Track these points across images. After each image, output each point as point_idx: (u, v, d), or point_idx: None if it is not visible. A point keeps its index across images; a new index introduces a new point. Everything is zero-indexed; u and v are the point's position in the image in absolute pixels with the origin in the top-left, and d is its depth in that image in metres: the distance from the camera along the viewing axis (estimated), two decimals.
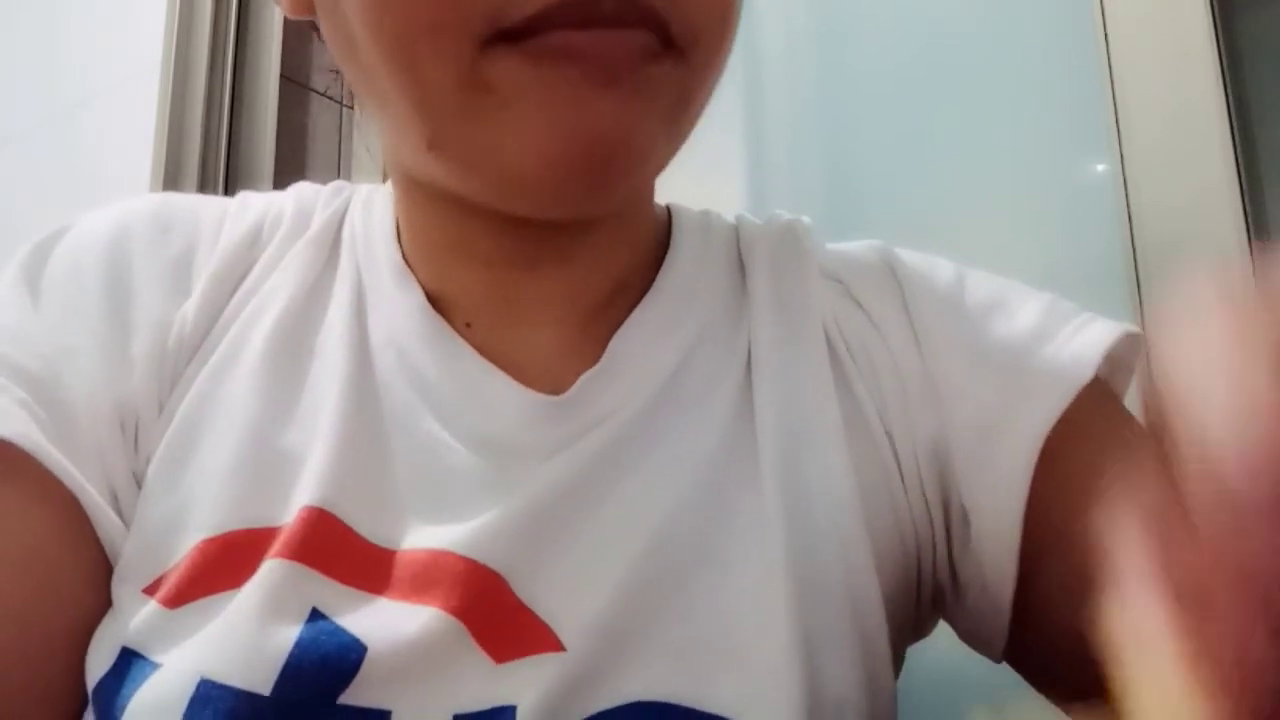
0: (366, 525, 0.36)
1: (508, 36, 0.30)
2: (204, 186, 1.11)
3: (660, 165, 0.36)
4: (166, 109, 1.12)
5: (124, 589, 0.35)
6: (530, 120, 0.31)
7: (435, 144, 0.34)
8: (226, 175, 1.13)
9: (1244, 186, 0.66)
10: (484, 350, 0.39)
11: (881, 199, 0.85)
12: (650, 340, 0.40)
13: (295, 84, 1.18)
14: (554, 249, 0.40)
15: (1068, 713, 0.39)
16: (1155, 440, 0.38)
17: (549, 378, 0.39)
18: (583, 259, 0.40)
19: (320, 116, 1.21)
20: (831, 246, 0.46)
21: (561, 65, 0.30)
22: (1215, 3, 0.69)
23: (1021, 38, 0.80)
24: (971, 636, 0.41)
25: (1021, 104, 0.78)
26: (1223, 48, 0.69)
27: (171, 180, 1.10)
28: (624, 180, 0.34)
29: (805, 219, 0.47)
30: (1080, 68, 0.75)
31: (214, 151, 1.13)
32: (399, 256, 0.42)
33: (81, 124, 1.25)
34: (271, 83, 1.15)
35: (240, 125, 1.15)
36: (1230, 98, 0.67)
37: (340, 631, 0.32)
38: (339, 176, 1.22)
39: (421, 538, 0.35)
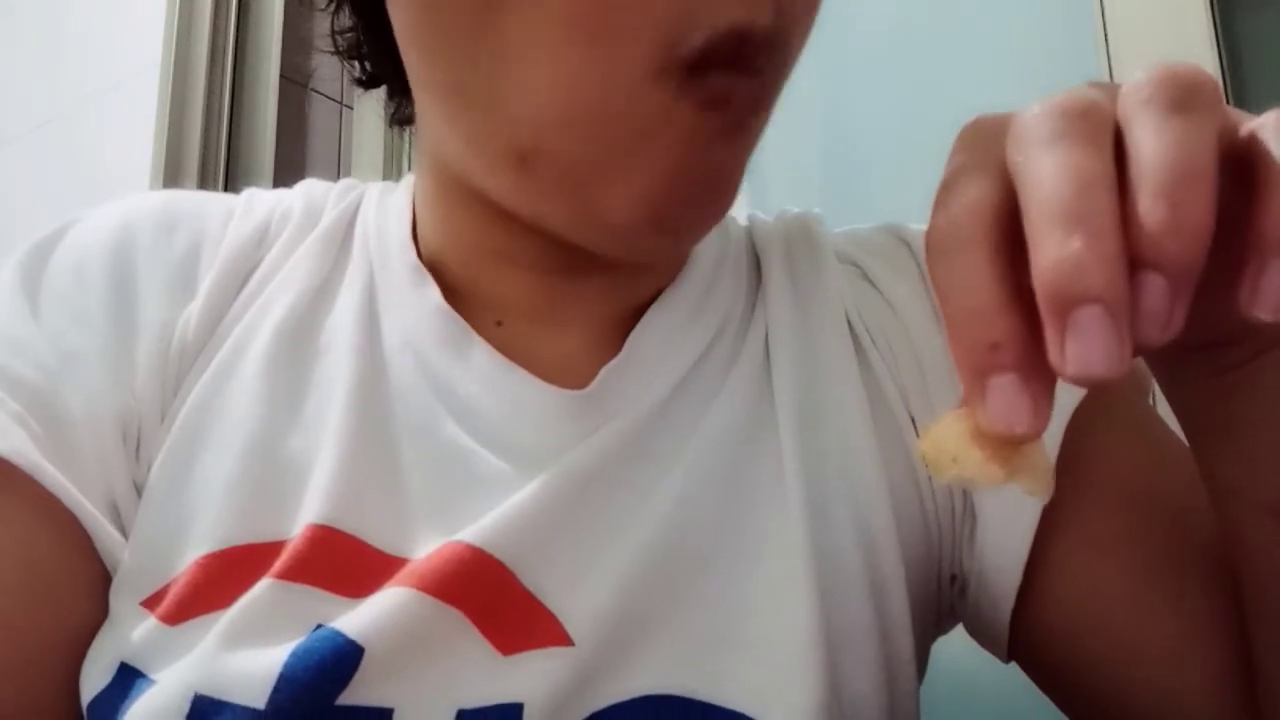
0: (379, 536, 0.35)
1: (679, 70, 0.30)
2: (204, 186, 1.11)
3: None
4: (166, 109, 1.12)
5: (122, 600, 0.35)
6: (652, 161, 0.31)
7: (530, 160, 0.33)
8: (226, 175, 1.13)
9: None
10: (510, 348, 0.39)
11: (880, 199, 0.85)
12: (671, 333, 0.40)
13: (295, 84, 1.18)
14: (601, 259, 0.38)
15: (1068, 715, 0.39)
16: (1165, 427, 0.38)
17: (573, 375, 0.38)
18: (627, 267, 0.40)
19: (320, 116, 1.21)
20: (844, 230, 0.46)
21: (716, 113, 0.31)
22: (1215, 3, 0.69)
23: (1021, 37, 0.80)
24: (976, 633, 0.41)
25: (1021, 104, 0.78)
26: (1223, 48, 0.68)
27: (172, 180, 1.10)
28: (709, 222, 0.35)
29: (816, 210, 0.47)
30: (1080, 68, 0.75)
31: (214, 151, 1.13)
32: (414, 255, 0.41)
33: (82, 124, 1.25)
34: (271, 83, 1.15)
35: (240, 125, 1.15)
36: (1230, 98, 0.67)
37: (336, 635, 0.31)
38: (339, 176, 1.21)
39: (436, 543, 0.34)
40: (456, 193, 0.39)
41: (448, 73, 0.34)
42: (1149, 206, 0.19)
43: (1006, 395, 0.20)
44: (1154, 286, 0.19)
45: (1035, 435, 0.21)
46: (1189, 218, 0.19)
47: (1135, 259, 0.19)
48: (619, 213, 0.32)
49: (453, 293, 0.40)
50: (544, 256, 0.39)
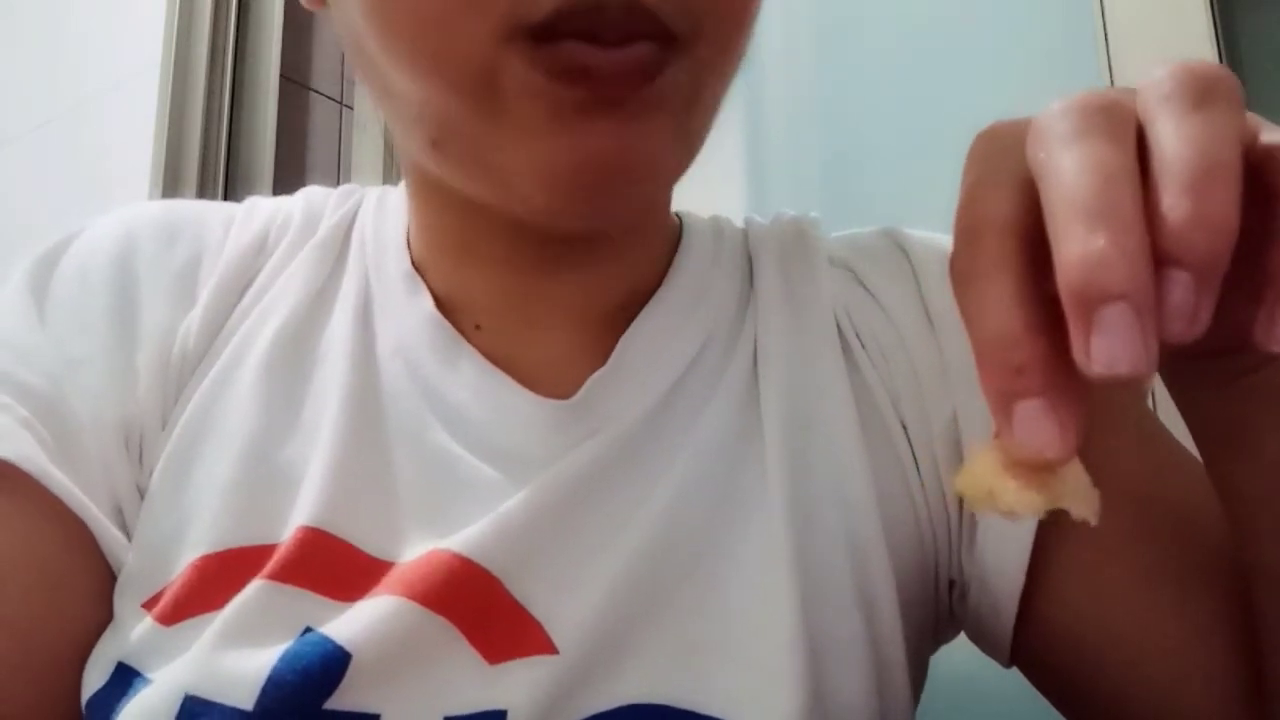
0: (368, 540, 0.35)
1: (525, 36, 0.29)
2: (204, 186, 1.11)
3: (674, 174, 0.35)
4: (166, 109, 1.12)
5: (124, 602, 0.35)
6: (536, 135, 0.30)
7: (439, 143, 0.33)
8: (226, 175, 1.13)
9: None
10: (494, 354, 0.39)
11: (880, 199, 0.85)
12: (659, 341, 0.40)
13: (295, 84, 1.18)
14: (569, 255, 0.39)
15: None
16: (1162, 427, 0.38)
17: (560, 382, 0.38)
18: (598, 265, 0.40)
19: (320, 116, 1.21)
20: (839, 234, 0.46)
21: (571, 84, 0.29)
22: (1215, 3, 0.69)
23: (1021, 37, 0.80)
24: (978, 638, 0.40)
25: (1021, 104, 0.78)
26: (1223, 48, 0.68)
27: (172, 179, 1.10)
28: (627, 197, 0.33)
29: (814, 214, 0.47)
30: (1080, 68, 0.75)
31: (214, 151, 1.12)
32: (409, 261, 0.41)
33: (82, 124, 1.25)
34: (271, 83, 1.15)
35: (240, 125, 1.15)
36: None
37: (325, 641, 0.32)
38: (339, 176, 1.22)
39: (425, 548, 0.35)
40: (425, 189, 0.39)
41: (370, 74, 0.34)
42: (1173, 201, 0.19)
43: (1033, 419, 0.20)
44: (1180, 282, 0.19)
45: (1066, 459, 0.21)
46: (1214, 212, 0.19)
47: (1160, 255, 0.19)
48: (528, 187, 0.32)
49: (438, 297, 0.40)
50: (514, 252, 0.38)
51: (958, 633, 0.42)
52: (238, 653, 0.32)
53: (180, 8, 1.15)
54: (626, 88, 0.30)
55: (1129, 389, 0.40)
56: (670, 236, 0.44)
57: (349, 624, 0.32)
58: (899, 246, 0.43)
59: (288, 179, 1.13)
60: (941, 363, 0.39)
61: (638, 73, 0.30)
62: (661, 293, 0.41)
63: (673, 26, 0.30)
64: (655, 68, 0.30)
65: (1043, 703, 0.40)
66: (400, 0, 0.30)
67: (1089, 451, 0.36)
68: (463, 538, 0.34)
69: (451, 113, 0.31)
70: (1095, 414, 0.37)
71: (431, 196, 0.39)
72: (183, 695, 0.31)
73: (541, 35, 0.29)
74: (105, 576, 0.36)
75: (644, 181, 0.33)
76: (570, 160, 0.30)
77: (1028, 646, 0.38)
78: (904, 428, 0.39)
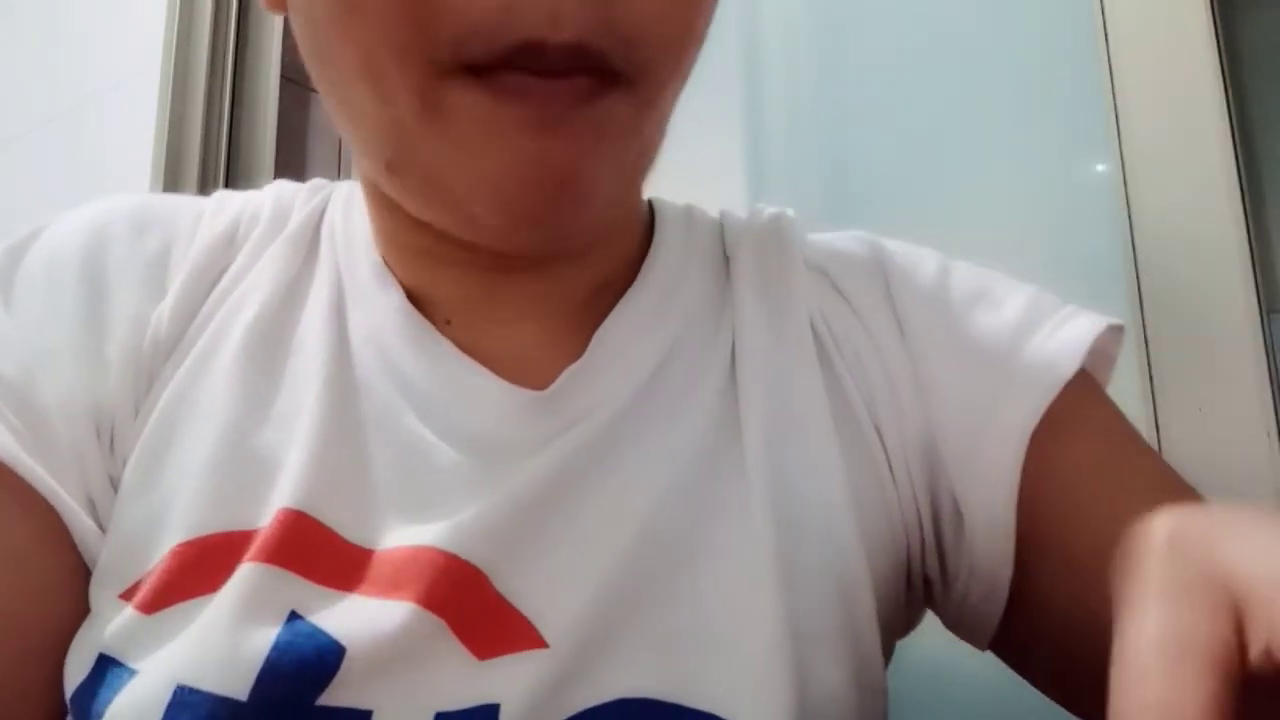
0: (347, 526, 0.35)
1: (467, 69, 0.30)
2: (204, 186, 1.11)
3: (613, 202, 0.35)
4: (166, 109, 1.12)
5: (101, 594, 0.35)
6: (484, 154, 0.31)
7: (394, 167, 0.34)
8: (226, 175, 1.13)
9: (1244, 187, 0.66)
10: (465, 347, 0.39)
11: (880, 199, 0.85)
12: (634, 334, 0.40)
13: (295, 84, 1.18)
14: (527, 259, 0.39)
15: (1053, 698, 0.40)
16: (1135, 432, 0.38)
17: (532, 373, 0.39)
18: (563, 264, 0.40)
19: (320, 116, 1.21)
20: (816, 236, 0.46)
21: (515, 104, 0.30)
22: (1215, 3, 0.69)
23: (1021, 37, 0.80)
24: (959, 626, 0.41)
25: (1021, 104, 0.78)
26: (1223, 48, 0.68)
27: (171, 180, 1.10)
28: (574, 219, 0.34)
29: (790, 211, 0.47)
30: (1080, 68, 0.75)
31: (214, 151, 1.12)
32: (378, 255, 0.42)
33: (82, 124, 1.25)
34: (271, 83, 1.15)
35: (240, 125, 1.15)
36: (1230, 98, 0.67)
37: (318, 633, 0.32)
38: (339, 176, 1.22)
39: (403, 536, 0.35)
40: (383, 203, 0.40)
41: (327, 93, 0.35)
42: None
43: None
44: None
45: None
46: None
47: None
48: (479, 209, 0.33)
49: (408, 291, 0.41)
50: (470, 256, 0.39)
51: (919, 622, 0.43)
52: (227, 639, 0.32)
53: (180, 8, 1.15)
54: (567, 107, 0.31)
55: (1097, 399, 0.40)
56: (641, 228, 0.44)
57: (341, 618, 0.32)
58: (872, 254, 0.44)
59: (288, 178, 1.12)
60: (913, 373, 0.40)
61: (580, 96, 0.31)
62: (635, 286, 0.41)
63: (615, 64, 0.31)
64: (595, 94, 0.31)
65: (1011, 688, 0.40)
66: (341, 37, 0.31)
67: (1055, 464, 0.37)
68: (448, 532, 0.34)
69: (404, 135, 0.32)
70: (1060, 428, 0.37)
71: (389, 209, 0.40)
72: (174, 686, 0.31)
73: (481, 70, 0.30)
74: (79, 567, 0.36)
75: (587, 200, 0.33)
76: (518, 180, 0.31)
77: (1012, 632, 0.39)
78: (878, 432, 0.40)
